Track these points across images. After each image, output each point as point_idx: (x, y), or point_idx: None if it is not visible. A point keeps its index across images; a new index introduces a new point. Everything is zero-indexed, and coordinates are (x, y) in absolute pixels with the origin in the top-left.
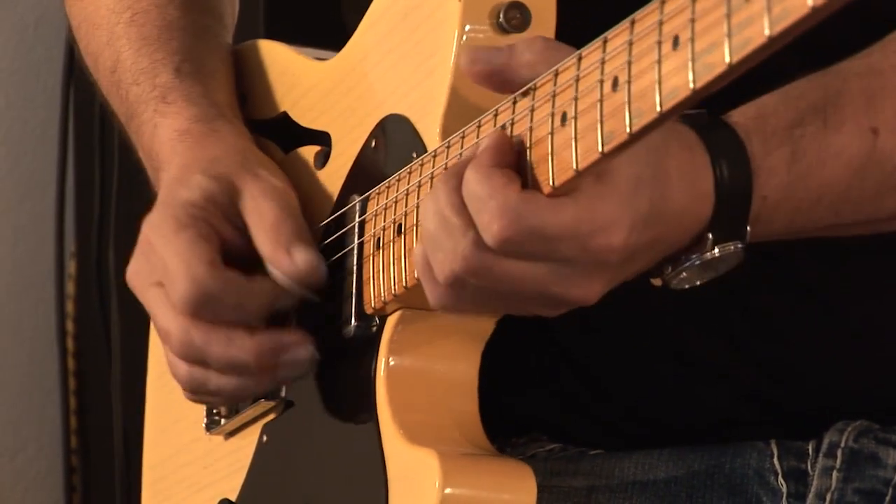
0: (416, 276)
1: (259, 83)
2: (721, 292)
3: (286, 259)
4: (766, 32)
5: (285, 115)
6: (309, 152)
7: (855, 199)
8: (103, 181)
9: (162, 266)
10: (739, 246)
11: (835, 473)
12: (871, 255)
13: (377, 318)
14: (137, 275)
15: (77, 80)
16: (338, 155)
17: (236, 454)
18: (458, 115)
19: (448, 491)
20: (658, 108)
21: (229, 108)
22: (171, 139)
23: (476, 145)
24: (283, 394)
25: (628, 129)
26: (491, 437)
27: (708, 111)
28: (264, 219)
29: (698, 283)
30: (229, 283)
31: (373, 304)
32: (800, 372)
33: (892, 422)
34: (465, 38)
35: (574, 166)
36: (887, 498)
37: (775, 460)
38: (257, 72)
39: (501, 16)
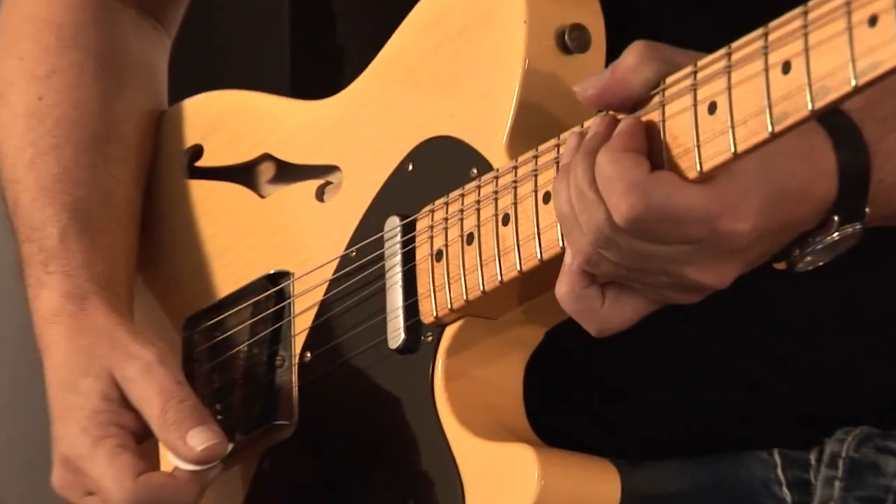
0: (498, 279)
1: (224, 131)
2: (732, 299)
3: (184, 448)
4: None
5: (266, 156)
6: (303, 189)
7: None
8: None
9: (91, 482)
10: (858, 227)
11: (837, 483)
12: (876, 257)
13: (432, 329)
14: (67, 489)
15: None
16: (353, 184)
17: (230, 481)
18: (524, 130)
19: (545, 483)
20: (854, 82)
21: (105, 277)
22: (46, 320)
23: (607, 123)
24: (294, 417)
25: (810, 106)
26: None
27: None
28: (151, 406)
29: (821, 263)
30: (157, 489)
31: (435, 314)
32: (805, 372)
33: (893, 426)
34: (529, 58)
35: (732, 149)
36: None
37: (779, 471)
38: (220, 120)
39: (567, 36)
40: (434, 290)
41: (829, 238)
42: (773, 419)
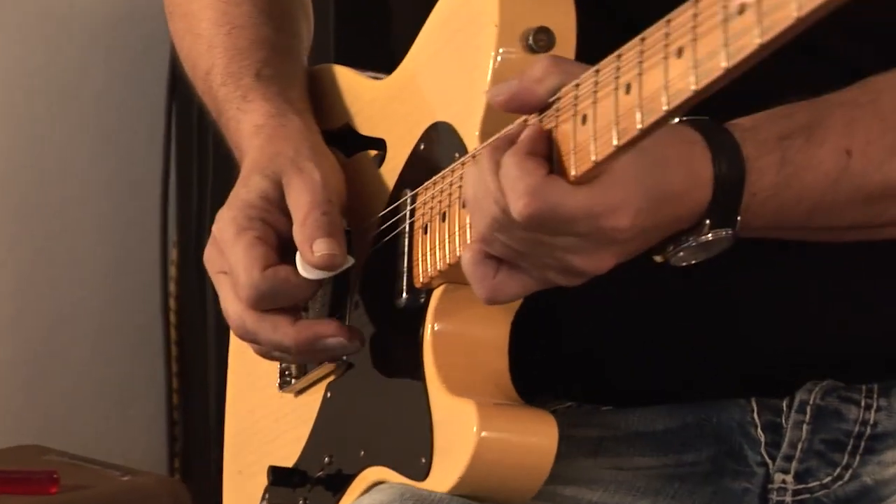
0: (456, 255)
1: (326, 99)
2: (707, 279)
3: (308, 252)
4: (758, 41)
5: (347, 126)
6: (368, 155)
7: (828, 206)
8: (200, 180)
9: (228, 263)
10: (730, 232)
11: (805, 426)
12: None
13: (424, 291)
14: (209, 261)
15: (179, 93)
16: (392, 157)
17: (304, 408)
18: (494, 121)
19: (484, 434)
20: (665, 107)
21: (299, 101)
22: (250, 133)
23: (521, 125)
24: (344, 357)
25: (639, 126)
26: (519, 395)
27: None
28: (299, 212)
29: (693, 262)
30: (280, 282)
31: (421, 279)
32: (776, 340)
33: (853, 380)
34: (499, 58)
35: (593, 158)
36: (849, 447)
37: (755, 415)
38: (325, 90)
39: (531, 38)
40: (420, 257)
41: (701, 238)
42: (752, 373)
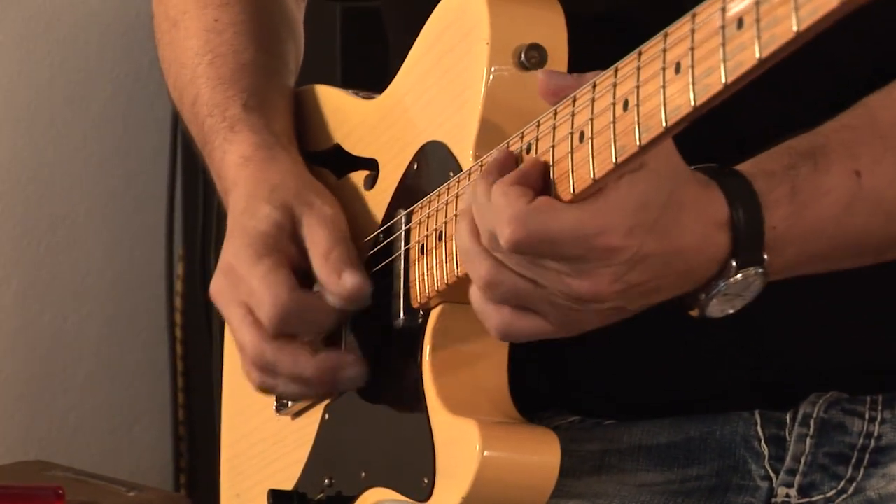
0: (455, 274)
1: (314, 120)
2: None
3: (337, 283)
4: (757, 55)
5: (337, 146)
6: (359, 176)
7: (850, 230)
8: (206, 195)
9: (247, 290)
10: (760, 271)
11: (808, 440)
12: None
13: (422, 311)
14: (220, 293)
15: None
16: (384, 177)
17: (302, 431)
18: (488, 139)
19: (487, 454)
20: (664, 124)
21: (285, 136)
22: (237, 164)
23: (504, 149)
24: None
25: (638, 143)
26: (521, 411)
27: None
28: (318, 247)
29: (731, 310)
30: (306, 304)
31: (419, 300)
32: (780, 351)
33: (858, 392)
34: (492, 76)
35: (592, 176)
36: (853, 460)
37: (759, 428)
38: (313, 111)
39: (523, 55)
40: (418, 278)
41: (730, 280)
42: (756, 385)
